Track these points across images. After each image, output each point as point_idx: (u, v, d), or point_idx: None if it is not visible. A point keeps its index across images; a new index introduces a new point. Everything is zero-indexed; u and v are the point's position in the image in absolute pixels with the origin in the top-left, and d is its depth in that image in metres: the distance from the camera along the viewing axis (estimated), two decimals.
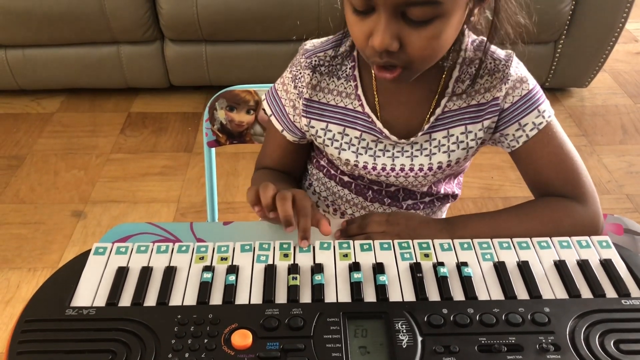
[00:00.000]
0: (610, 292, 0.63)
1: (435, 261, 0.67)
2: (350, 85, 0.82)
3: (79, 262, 0.67)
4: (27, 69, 2.19)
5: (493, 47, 0.79)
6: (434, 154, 0.82)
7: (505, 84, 0.78)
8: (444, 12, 0.64)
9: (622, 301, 0.61)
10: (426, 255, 0.68)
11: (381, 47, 0.64)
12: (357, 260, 0.67)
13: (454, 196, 0.96)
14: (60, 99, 2.32)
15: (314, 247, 0.69)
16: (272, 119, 0.88)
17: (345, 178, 0.91)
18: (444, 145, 0.81)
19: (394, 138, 0.81)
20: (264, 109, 0.89)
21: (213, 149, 1.08)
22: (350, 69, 0.82)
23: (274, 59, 2.12)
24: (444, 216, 0.99)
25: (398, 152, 0.83)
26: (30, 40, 2.12)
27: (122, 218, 1.74)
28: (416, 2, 0.62)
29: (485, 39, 0.78)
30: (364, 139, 0.83)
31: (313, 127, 0.84)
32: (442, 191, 0.92)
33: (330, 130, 0.83)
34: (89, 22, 2.04)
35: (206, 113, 1.04)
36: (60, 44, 2.14)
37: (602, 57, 2.19)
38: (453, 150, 0.81)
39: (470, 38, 0.79)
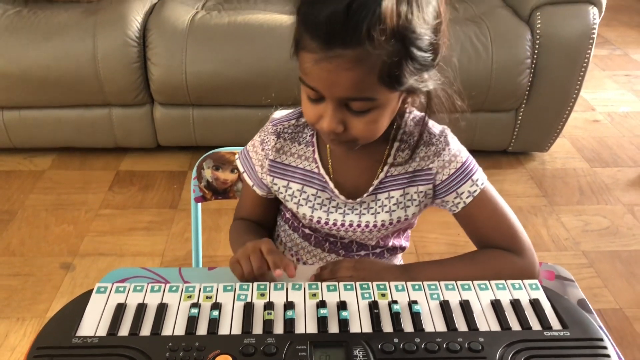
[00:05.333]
0: (536, 326, 0.73)
1: (391, 299, 0.77)
2: (309, 149, 0.94)
3: (83, 299, 0.76)
4: (22, 129, 2.30)
5: (430, 123, 0.91)
6: (379, 213, 0.93)
7: (438, 157, 0.90)
8: (379, 105, 0.77)
9: (545, 333, 0.72)
10: (383, 295, 0.78)
11: (329, 130, 0.78)
12: (323, 299, 0.77)
13: (402, 248, 1.07)
14: (52, 157, 2.43)
15: (287, 288, 0.80)
16: (245, 175, 1.01)
17: (306, 230, 1.02)
18: (386, 205, 0.93)
19: (342, 198, 0.93)
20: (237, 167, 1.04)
21: (199, 204, 1.20)
22: (309, 136, 0.95)
23: (256, 123, 2.26)
24: (400, 263, 1.11)
25: (349, 209, 0.94)
26: (27, 102, 2.23)
27: (109, 270, 1.81)
28: (355, 98, 0.75)
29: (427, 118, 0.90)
30: (319, 197, 0.95)
31: (276, 184, 0.96)
32: (391, 244, 1.03)
33: (290, 188, 0.95)
34: (84, 86, 2.17)
35: (194, 172, 1.16)
36: (56, 106, 2.26)
37: (560, 124, 2.36)
38: (394, 210, 0.93)
39: (412, 115, 0.92)
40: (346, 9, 0.68)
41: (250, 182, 1.00)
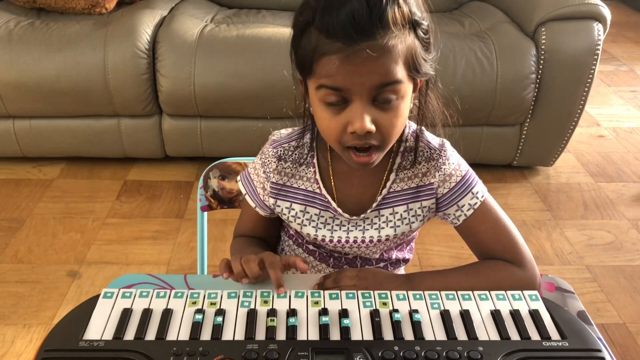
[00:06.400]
0: (535, 336, 0.74)
1: (392, 308, 0.78)
2: (310, 171, 0.95)
3: (90, 304, 0.78)
4: (32, 138, 2.33)
5: (430, 137, 0.93)
6: (383, 228, 0.95)
7: (439, 172, 0.91)
8: (402, 94, 0.78)
9: (543, 343, 0.73)
10: (384, 304, 0.80)
11: (363, 130, 0.77)
12: (325, 307, 0.78)
13: (405, 260, 1.08)
14: (61, 166, 2.46)
15: (290, 295, 0.81)
16: (247, 197, 1.01)
17: (311, 247, 1.03)
18: (390, 221, 0.94)
19: (346, 216, 0.94)
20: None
21: (205, 213, 1.21)
22: (310, 157, 0.95)
23: (262, 134, 2.29)
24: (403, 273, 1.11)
25: (352, 226, 0.96)
26: (37, 111, 2.27)
27: (115, 279, 1.84)
28: (387, 83, 0.76)
29: (422, 127, 0.92)
30: (322, 216, 0.96)
31: (279, 206, 0.97)
32: (394, 257, 1.04)
33: (293, 209, 0.97)
34: (94, 97, 2.20)
35: (201, 181, 1.18)
36: (65, 116, 2.29)
37: (564, 139, 2.37)
38: (398, 226, 0.94)
39: (411, 129, 0.93)
40: (366, 4, 0.72)
41: (252, 204, 1.01)
